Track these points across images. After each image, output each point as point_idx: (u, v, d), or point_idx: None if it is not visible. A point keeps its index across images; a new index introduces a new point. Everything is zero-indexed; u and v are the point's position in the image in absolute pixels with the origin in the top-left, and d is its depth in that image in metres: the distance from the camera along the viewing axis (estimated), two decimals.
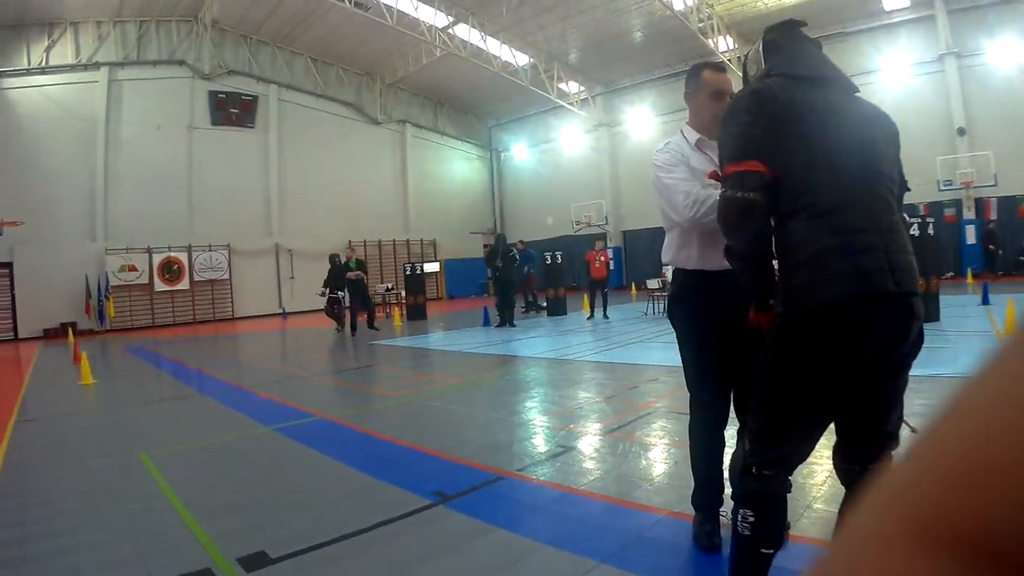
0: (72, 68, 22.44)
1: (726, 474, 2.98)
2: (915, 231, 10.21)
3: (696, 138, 3.14)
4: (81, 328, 21.42)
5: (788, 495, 2.30)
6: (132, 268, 23.21)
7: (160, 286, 23.93)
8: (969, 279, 18.82)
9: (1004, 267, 19.92)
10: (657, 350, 10.13)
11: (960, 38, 20.66)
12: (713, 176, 2.39)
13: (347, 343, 14.56)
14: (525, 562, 3.13)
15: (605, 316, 15.90)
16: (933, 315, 10.28)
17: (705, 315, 3.03)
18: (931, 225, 10.93)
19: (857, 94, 2.34)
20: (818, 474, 3.91)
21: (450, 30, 24.30)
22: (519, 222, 33.90)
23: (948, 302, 11.93)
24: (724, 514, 3.24)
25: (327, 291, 16.77)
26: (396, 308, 21.04)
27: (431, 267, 28.44)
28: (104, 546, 3.54)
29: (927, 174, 19.02)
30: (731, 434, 3.11)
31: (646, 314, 16.06)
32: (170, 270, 24.11)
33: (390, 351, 12.66)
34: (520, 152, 35.19)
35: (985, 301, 12.44)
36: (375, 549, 3.36)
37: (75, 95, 22.59)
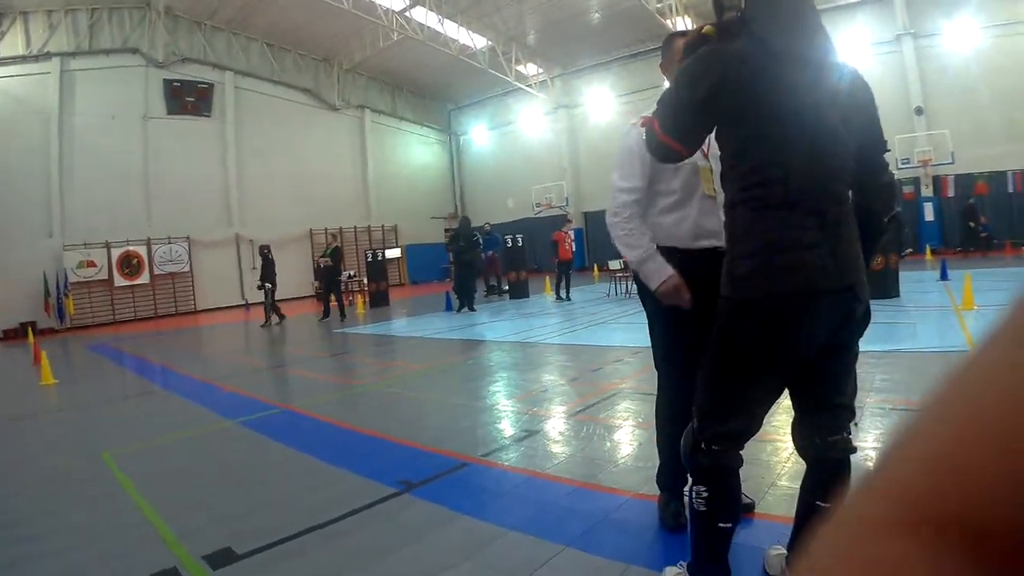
0: (23, 59, 21.85)
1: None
2: None
3: None
4: (41, 327, 20.94)
5: (741, 468, 2.34)
6: (91, 264, 22.73)
7: (120, 281, 23.47)
8: (928, 255, 19.18)
9: (988, 243, 19.70)
10: (620, 331, 10.21)
11: (917, 19, 21.00)
12: (645, 122, 2.40)
13: (313, 332, 14.48)
14: (491, 548, 3.16)
15: (568, 297, 15.99)
16: (893, 291, 10.50)
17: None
18: None
19: (834, 60, 2.17)
20: (782, 451, 3.99)
21: (407, 13, 24.12)
22: (480, 206, 33.83)
23: (908, 278, 12.17)
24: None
25: (264, 285, 16.65)
26: (359, 295, 20.94)
27: (393, 253, 28.36)
28: (67, 550, 3.49)
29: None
30: None
31: (608, 295, 16.14)
32: (129, 264, 23.66)
33: (353, 339, 12.62)
34: (480, 135, 35.15)
35: (944, 277, 12.70)
36: (341, 540, 3.36)
37: (27, 87, 22.02)
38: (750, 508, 3.25)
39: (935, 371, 4.97)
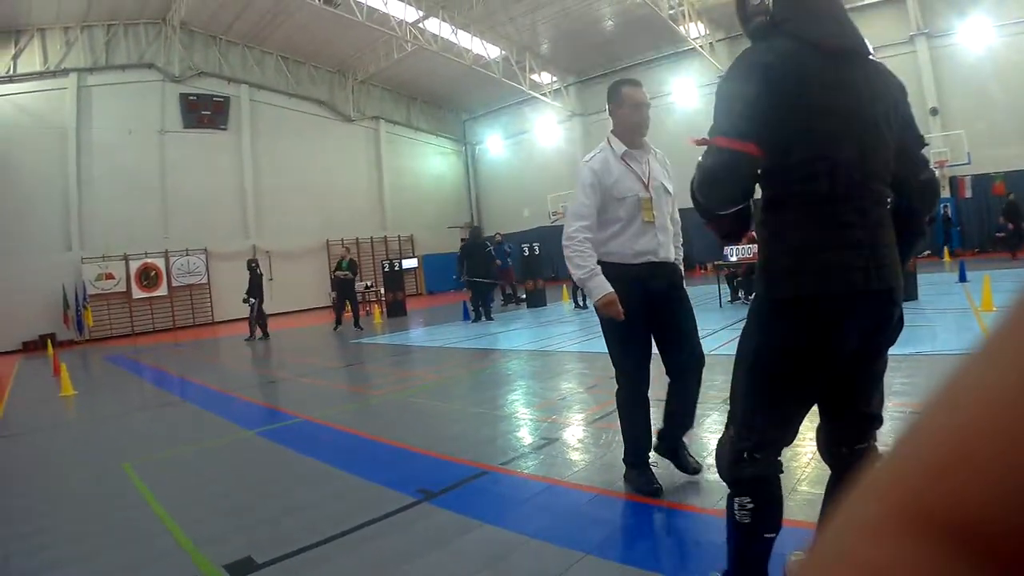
0: (41, 75, 22.14)
1: (653, 427, 3.85)
2: None
3: (623, 151, 3.76)
4: (60, 339, 21.18)
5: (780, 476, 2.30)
6: (109, 276, 22.98)
7: (138, 293, 23.70)
8: (946, 257, 18.99)
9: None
10: None
11: (931, 18, 20.85)
12: (702, 142, 2.15)
13: (330, 342, 14.53)
14: (511, 556, 3.15)
15: (586, 305, 15.93)
16: (912, 294, 10.37)
17: (624, 301, 3.49)
18: None
19: (871, 57, 2.17)
20: (802, 456, 3.94)
21: (420, 24, 24.20)
22: (495, 215, 33.79)
23: (926, 280, 12.06)
24: (654, 462, 3.90)
25: (249, 299, 16.43)
26: (376, 305, 20.98)
27: (409, 263, 28.43)
28: (89, 559, 3.51)
29: None
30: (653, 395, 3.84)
31: None
32: (147, 276, 23.88)
33: (371, 349, 12.63)
34: (494, 145, 35.16)
35: (962, 279, 12.57)
36: (361, 550, 3.36)
37: (45, 103, 22.29)
38: (658, 493, 3.69)
39: None
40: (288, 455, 5.42)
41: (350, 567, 3.18)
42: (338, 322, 16.95)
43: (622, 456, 3.89)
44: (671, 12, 22.15)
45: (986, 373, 0.30)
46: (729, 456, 2.24)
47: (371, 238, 30.76)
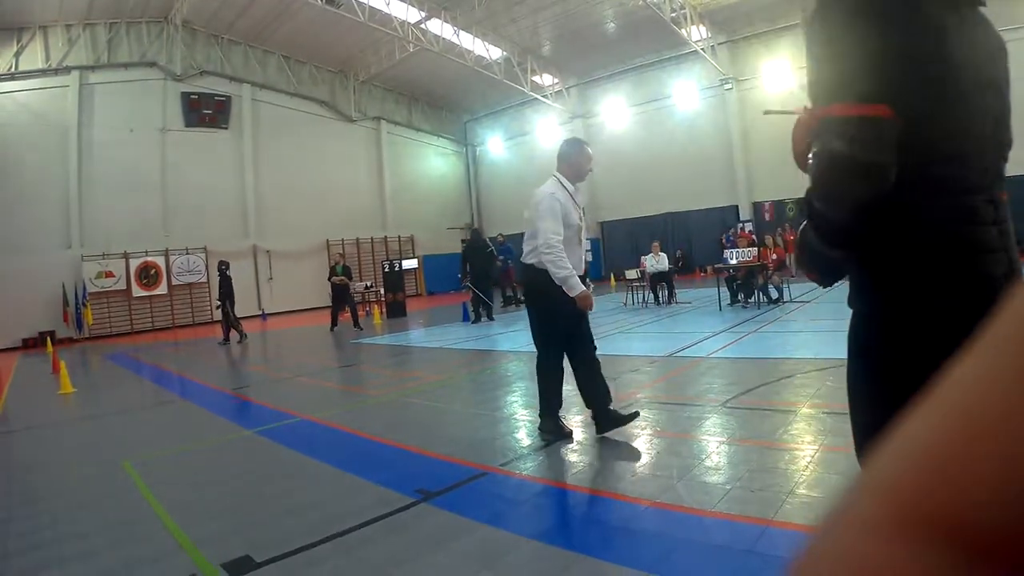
0: (43, 73, 22.16)
1: (565, 388, 5.13)
2: None
3: (572, 188, 4.96)
4: (60, 337, 21.21)
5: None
6: (109, 274, 22.99)
7: (138, 291, 23.70)
8: None
9: None
10: (637, 340, 10.17)
11: None
12: (817, 113, 1.51)
13: (329, 342, 14.53)
14: (509, 557, 3.16)
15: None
16: None
17: (558, 303, 4.77)
18: None
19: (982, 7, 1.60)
20: (800, 459, 3.95)
21: (423, 25, 24.24)
22: (496, 216, 33.71)
23: None
24: (563, 417, 5.21)
25: (225, 302, 16.09)
26: (375, 306, 20.98)
27: (409, 264, 28.45)
28: (88, 557, 3.52)
29: None
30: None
31: (625, 304, 16.09)
32: (147, 275, 23.89)
33: (371, 349, 12.64)
34: (496, 146, 35.21)
35: None
36: (360, 549, 3.37)
37: (46, 100, 22.32)
38: (570, 436, 5.12)
39: None
40: (287, 454, 5.43)
41: (348, 567, 3.19)
42: (334, 323, 16.95)
43: (538, 411, 5.17)
44: (673, 15, 22.17)
45: (983, 372, 0.29)
46: None
47: (371, 238, 30.78)
